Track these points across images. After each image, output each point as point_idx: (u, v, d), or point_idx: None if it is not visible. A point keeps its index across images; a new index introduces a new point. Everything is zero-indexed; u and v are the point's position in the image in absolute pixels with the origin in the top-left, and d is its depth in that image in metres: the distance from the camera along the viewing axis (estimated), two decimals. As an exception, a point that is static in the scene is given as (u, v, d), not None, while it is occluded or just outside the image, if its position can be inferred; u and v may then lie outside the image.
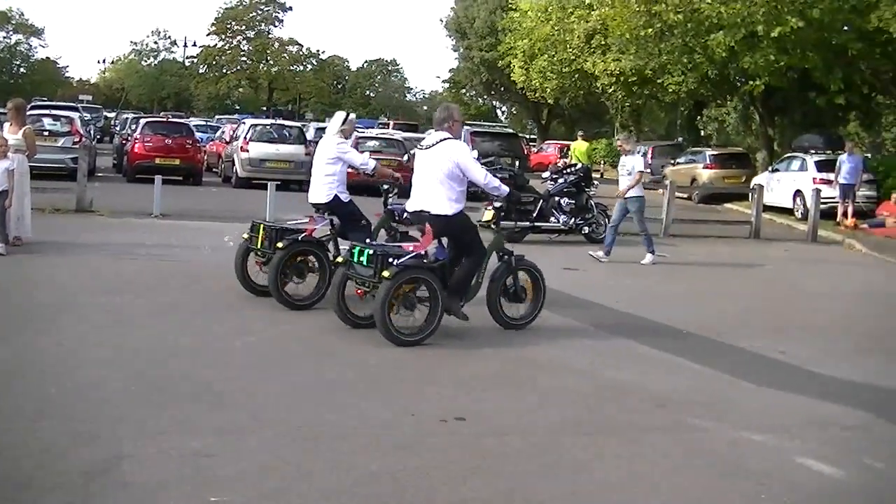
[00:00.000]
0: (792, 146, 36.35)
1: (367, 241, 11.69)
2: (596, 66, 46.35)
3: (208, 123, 54.80)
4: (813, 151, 32.74)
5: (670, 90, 42.17)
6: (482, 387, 9.23)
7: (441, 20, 79.02)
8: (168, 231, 19.42)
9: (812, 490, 7.16)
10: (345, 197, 12.66)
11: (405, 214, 12.41)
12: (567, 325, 12.53)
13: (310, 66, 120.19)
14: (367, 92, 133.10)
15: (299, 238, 12.13)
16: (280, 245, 11.87)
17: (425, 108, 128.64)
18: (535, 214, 20.75)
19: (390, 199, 14.23)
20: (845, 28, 29.67)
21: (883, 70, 32.40)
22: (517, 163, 31.43)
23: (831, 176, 29.48)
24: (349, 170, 13.08)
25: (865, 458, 7.96)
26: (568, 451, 7.57)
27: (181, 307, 12.25)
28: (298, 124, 39.76)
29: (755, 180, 32.41)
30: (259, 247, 12.33)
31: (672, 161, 41.89)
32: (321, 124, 49.03)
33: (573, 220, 21.11)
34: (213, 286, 13.45)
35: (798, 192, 30.89)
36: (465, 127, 34.45)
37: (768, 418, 8.88)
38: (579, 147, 38.64)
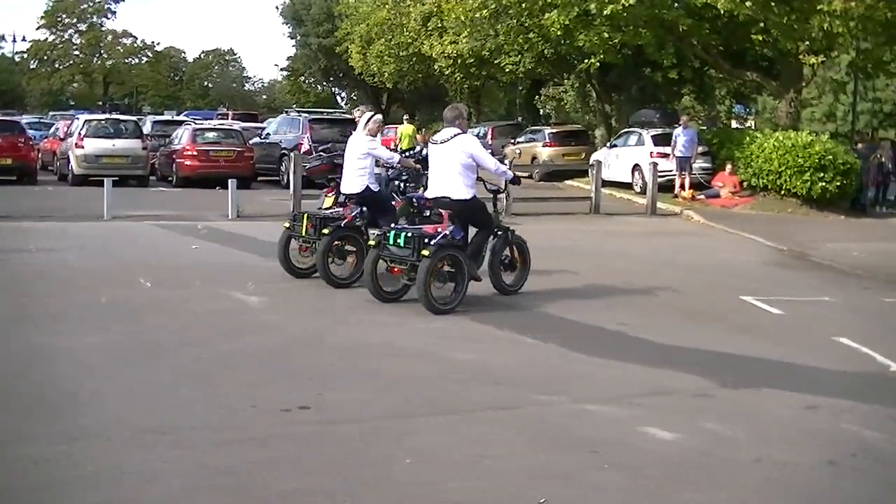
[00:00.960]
0: (629, 122, 36.90)
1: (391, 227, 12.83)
2: (433, 48, 46.48)
3: (41, 120, 53.46)
4: (655, 122, 33.37)
5: (507, 70, 42.51)
6: (324, 376, 9.16)
7: (277, 7, 78.09)
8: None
9: (650, 455, 7.28)
10: (374, 187, 14.21)
11: (423, 201, 13.96)
12: (404, 309, 12.49)
13: (145, 59, 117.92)
14: (206, 83, 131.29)
15: (342, 225, 13.63)
16: (325, 231, 13.44)
17: (264, 97, 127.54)
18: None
19: (408, 188, 15.85)
20: (675, 5, 30.16)
21: (713, 45, 33.04)
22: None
23: (668, 150, 30.07)
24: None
25: (703, 422, 8.15)
26: (413, 435, 7.57)
27: None
28: (134, 118, 38.84)
29: (594, 156, 32.83)
30: (304, 234, 13.91)
31: (512, 140, 42.17)
32: (159, 117, 48.21)
33: (413, 202, 21.09)
34: (40, 289, 13.25)
35: (636, 167, 31.37)
36: (304, 115, 34.18)
37: (608, 389, 9.04)
38: (406, 130, 38.74)
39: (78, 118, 34.67)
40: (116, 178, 23.76)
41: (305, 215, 14.16)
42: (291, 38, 79.74)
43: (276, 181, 31.44)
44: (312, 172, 20.98)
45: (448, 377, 9.24)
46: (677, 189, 29.56)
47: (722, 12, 27.74)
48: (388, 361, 9.76)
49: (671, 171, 29.59)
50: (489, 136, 45.70)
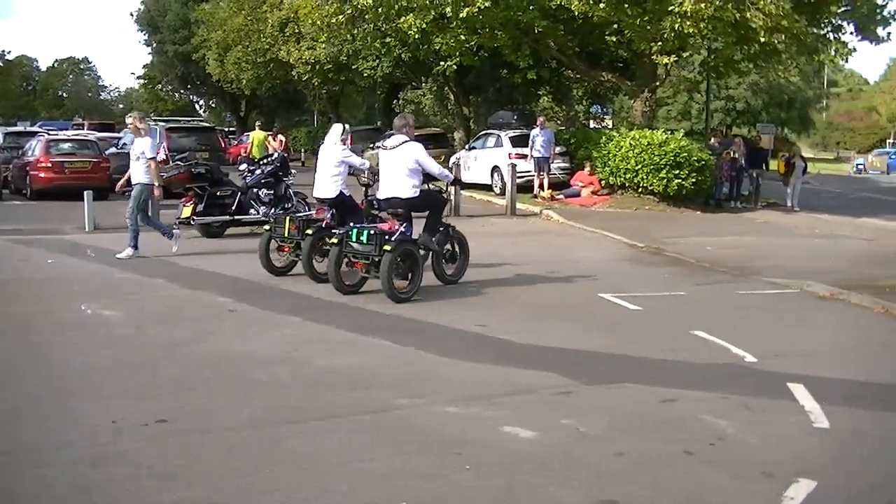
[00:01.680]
0: (487, 123, 37.11)
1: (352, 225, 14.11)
2: (291, 54, 46.23)
3: None
4: (513, 123, 33.66)
5: (365, 75, 42.41)
6: (185, 387, 9.02)
7: (132, 14, 76.82)
8: None
9: (512, 454, 7.33)
10: (346, 192, 15.32)
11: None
12: (264, 316, 12.42)
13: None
14: (60, 92, 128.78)
15: (322, 226, 14.99)
16: (309, 231, 14.83)
17: (121, 105, 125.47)
18: (234, 207, 20.47)
19: (370, 192, 16.33)
20: (531, 7, 30.38)
21: (569, 46, 33.40)
22: (215, 156, 30.88)
23: (526, 150, 30.34)
24: None
25: (563, 419, 8.23)
26: (276, 443, 7.51)
27: None
28: None
29: (452, 159, 32.93)
30: (286, 235, 15.19)
31: (371, 145, 42.02)
32: (11, 128, 47.00)
33: (273, 210, 20.87)
34: None
35: (495, 168, 31.60)
36: (161, 124, 33.68)
37: (468, 390, 9.05)
38: (257, 136, 38.46)
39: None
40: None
41: (288, 218, 15.50)
42: (147, 46, 78.54)
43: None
44: (170, 182, 20.66)
45: (311, 384, 9.17)
46: (536, 189, 29.86)
47: (576, 14, 28.05)
48: (249, 370, 9.64)
49: (530, 171, 29.92)
50: (348, 142, 45.52)
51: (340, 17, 34.96)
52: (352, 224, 14.19)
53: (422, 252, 14.05)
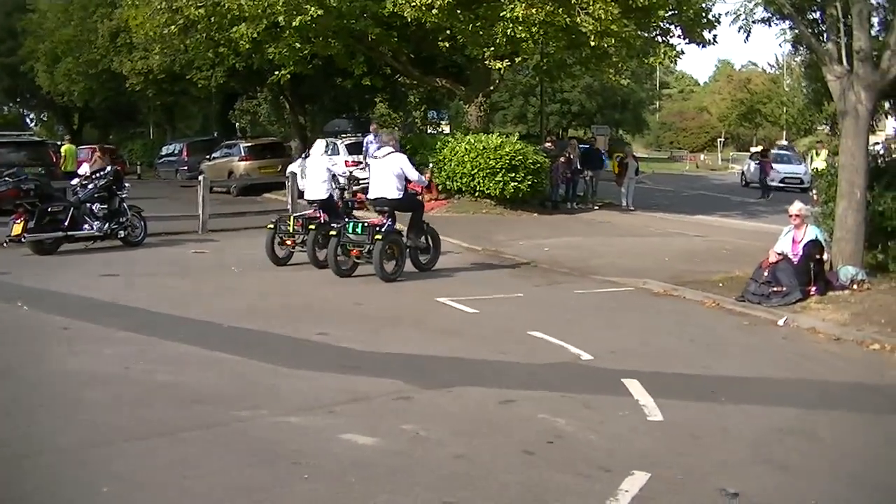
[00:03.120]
0: (323, 131, 36.99)
1: (346, 220, 17.37)
2: (123, 65, 45.28)
3: None
4: (349, 131, 33.70)
5: (200, 85, 41.84)
6: (8, 411, 8.68)
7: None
8: None
9: (351, 461, 7.31)
10: (335, 194, 19.02)
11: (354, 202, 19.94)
12: (104, 333, 12.09)
13: None
14: None
15: (322, 222, 18.04)
16: (312, 227, 17.92)
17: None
18: (66, 223, 19.97)
19: (346, 194, 20.42)
20: (364, 15, 30.35)
21: (403, 52, 33.48)
22: (48, 171, 30.04)
23: (360, 157, 30.33)
24: None
25: (403, 424, 8.26)
26: (115, 460, 7.32)
27: None
28: None
29: (289, 168, 32.76)
30: (291, 231, 18.22)
31: (207, 157, 41.60)
32: None
33: (107, 224, 20.46)
34: None
35: (333, 176, 31.37)
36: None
37: (309, 400, 9.02)
38: (68, 149, 37.76)
39: None
40: None
41: (292, 217, 18.78)
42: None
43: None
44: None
45: (148, 400, 8.96)
46: (372, 195, 29.90)
47: (409, 20, 28.14)
48: (84, 389, 9.35)
49: (367, 178, 29.85)
50: (184, 154, 45.03)
51: (172, 27, 34.39)
52: (347, 219, 17.36)
53: (407, 243, 16.90)
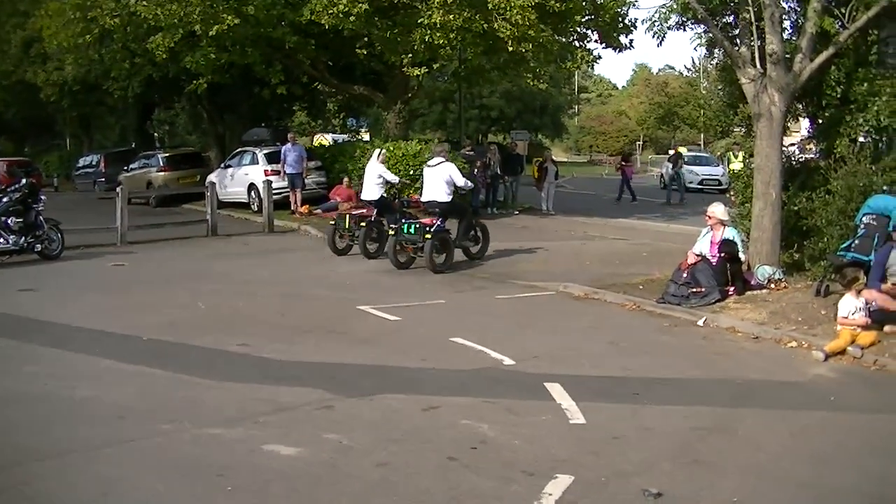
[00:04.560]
0: (242, 141, 36.76)
1: (401, 220, 19.35)
2: (37, 76, 44.68)
3: None
4: (267, 139, 33.62)
5: (116, 95, 41.40)
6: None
7: None
8: None
9: (275, 472, 7.30)
10: (385, 196, 21.19)
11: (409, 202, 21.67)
12: (22, 350, 11.91)
13: None
14: None
15: (371, 219, 20.73)
16: (363, 224, 20.66)
17: None
18: (-22, 238, 19.70)
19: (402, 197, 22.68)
20: (281, 23, 30.21)
21: (321, 60, 33.38)
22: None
23: (279, 167, 30.19)
24: None
25: (326, 433, 8.26)
26: (33, 480, 7.23)
27: None
28: None
29: (209, 178, 32.50)
30: (347, 227, 21.17)
31: (125, 168, 41.11)
32: None
33: (23, 238, 20.17)
34: None
35: (252, 186, 31.31)
36: None
37: (230, 411, 8.98)
38: None
39: None
40: None
41: (346, 216, 21.38)
42: None
43: None
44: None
45: (69, 416, 8.86)
46: (293, 205, 29.76)
47: (327, 28, 28.06)
48: (3, 408, 9.22)
49: (285, 188, 29.78)
50: (102, 165, 44.49)
51: (87, 37, 34.01)
52: (403, 220, 19.23)
53: (455, 241, 19.23)
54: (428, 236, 18.34)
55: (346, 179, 30.34)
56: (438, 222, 18.67)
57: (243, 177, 32.07)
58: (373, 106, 45.31)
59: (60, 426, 8.56)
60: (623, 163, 42.96)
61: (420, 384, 9.98)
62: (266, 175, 29.64)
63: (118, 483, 7.10)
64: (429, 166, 19.54)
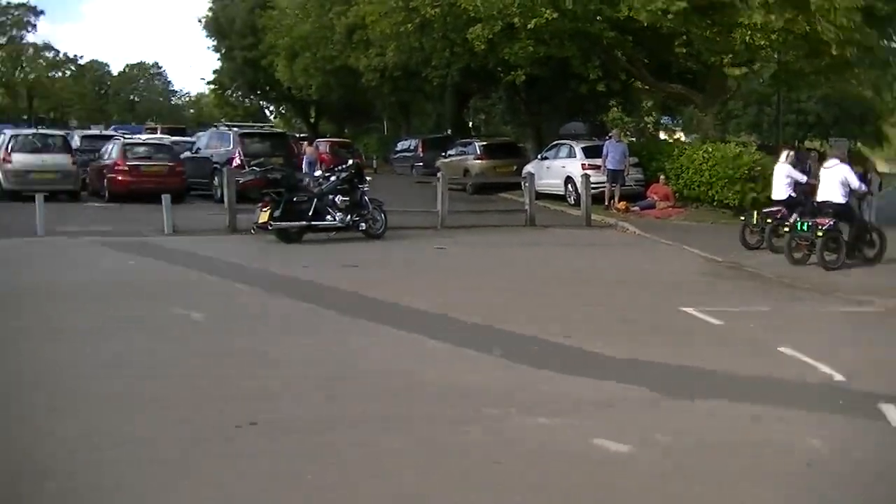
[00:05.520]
0: (559, 134, 36.97)
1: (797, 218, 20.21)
2: (359, 61, 46.14)
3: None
4: (584, 134, 33.73)
5: (434, 83, 42.36)
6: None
7: (200, 21, 76.03)
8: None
9: (607, 468, 7.32)
10: (793, 195, 21.78)
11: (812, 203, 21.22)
12: (351, 323, 12.44)
13: (68, 72, 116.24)
14: (132, 97, 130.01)
15: (779, 217, 21.41)
16: (769, 220, 21.60)
17: (191, 110, 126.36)
18: (310, 213, 20.60)
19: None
20: (598, 18, 30.22)
21: (637, 57, 33.26)
22: (288, 162, 30.82)
23: (598, 161, 30.15)
24: None
25: (653, 433, 8.17)
26: (388, 445, 7.56)
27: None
28: (62, 133, 37.28)
29: (526, 168, 32.75)
30: (755, 222, 22.00)
31: (443, 154, 42.00)
32: (87, 132, 46.90)
33: (349, 216, 21.02)
34: None
35: (569, 179, 31.41)
36: (234, 129, 33.63)
37: (559, 402, 9.01)
38: None
39: (4, 133, 33.26)
40: (47, 194, 23.00)
41: (755, 212, 22.48)
42: (216, 52, 77.97)
43: (208, 195, 31.03)
44: (245, 187, 20.93)
45: (406, 394, 9.16)
46: (607, 201, 29.68)
47: (645, 25, 27.90)
48: (337, 382, 9.64)
49: (603, 182, 29.69)
50: (419, 150, 45.60)
51: (409, 25, 34.97)
52: (797, 217, 20.15)
53: (846, 239, 19.51)
54: (820, 234, 19.07)
55: (662, 178, 30.15)
56: (831, 222, 19.24)
57: (560, 169, 32.22)
58: (688, 105, 44.80)
59: (401, 401, 8.94)
60: None
61: (745, 392, 9.69)
62: (583, 169, 29.65)
63: (449, 467, 7.29)
64: (826, 168, 20.29)
